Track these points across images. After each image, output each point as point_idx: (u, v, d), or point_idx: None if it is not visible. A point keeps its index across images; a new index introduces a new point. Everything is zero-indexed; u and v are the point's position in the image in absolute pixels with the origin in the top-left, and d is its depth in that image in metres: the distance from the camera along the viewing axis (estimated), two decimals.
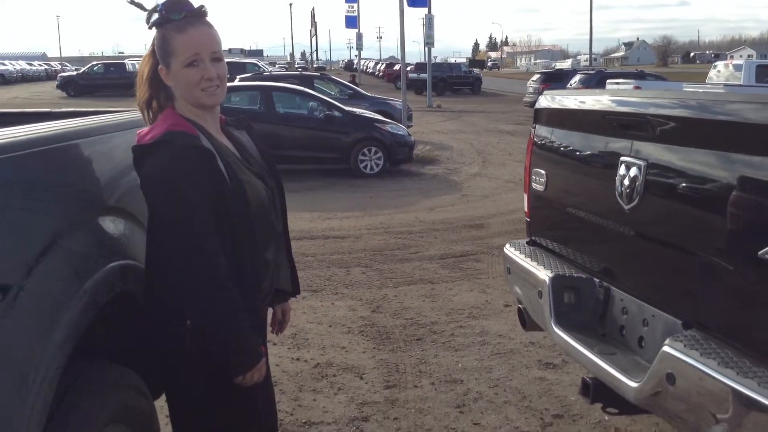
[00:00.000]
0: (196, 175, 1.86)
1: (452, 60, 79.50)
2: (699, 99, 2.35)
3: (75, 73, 40.76)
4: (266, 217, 2.07)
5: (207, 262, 1.85)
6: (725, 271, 2.05)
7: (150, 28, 1.99)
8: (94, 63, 40.73)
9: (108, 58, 77.65)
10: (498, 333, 4.75)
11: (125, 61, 40.52)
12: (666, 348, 2.08)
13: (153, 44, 2.00)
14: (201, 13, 1.98)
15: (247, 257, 1.98)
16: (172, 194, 1.85)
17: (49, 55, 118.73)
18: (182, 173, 1.85)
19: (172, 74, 1.96)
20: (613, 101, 2.78)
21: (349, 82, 22.64)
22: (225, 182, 1.92)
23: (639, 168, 2.41)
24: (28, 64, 63.87)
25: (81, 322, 1.63)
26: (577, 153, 2.97)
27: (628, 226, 2.52)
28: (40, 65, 65.91)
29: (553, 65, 75.18)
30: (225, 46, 2.18)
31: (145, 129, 2.01)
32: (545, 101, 3.30)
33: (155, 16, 1.98)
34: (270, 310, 2.38)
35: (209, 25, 2.00)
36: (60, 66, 66.20)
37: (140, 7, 2.04)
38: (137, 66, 2.08)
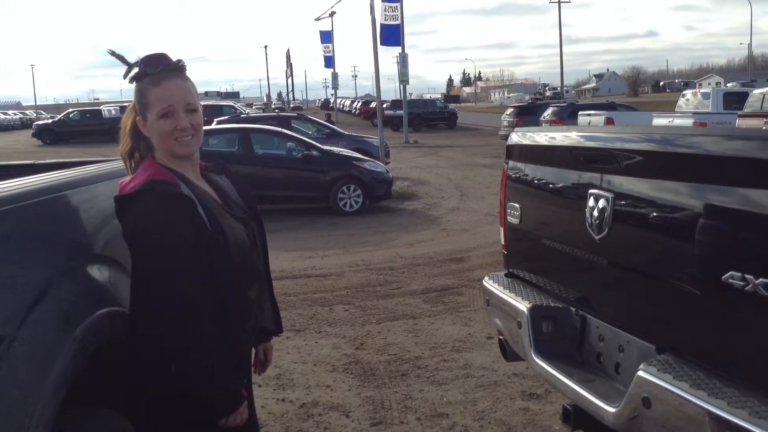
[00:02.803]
0: (176, 222, 1.92)
1: (427, 96, 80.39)
2: (661, 133, 2.47)
3: (50, 121, 40.62)
4: (248, 259, 2.12)
5: (188, 307, 1.90)
6: (692, 296, 2.13)
7: (130, 82, 2.07)
8: (70, 110, 40.58)
9: (84, 104, 77.48)
10: (481, 365, 4.80)
11: (101, 107, 40.42)
12: (640, 372, 2.16)
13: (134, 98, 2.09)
14: (178, 67, 2.07)
15: (229, 300, 2.04)
16: (153, 242, 1.91)
17: (24, 103, 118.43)
18: (163, 221, 1.91)
19: (149, 125, 2.04)
20: (581, 137, 2.89)
21: (325, 120, 22.86)
22: (206, 228, 1.98)
23: (607, 199, 2.51)
24: (2, 113, 63.65)
25: (72, 369, 1.67)
26: (549, 186, 3.07)
27: (599, 256, 2.61)
28: (15, 114, 65.72)
29: (526, 98, 76.42)
30: (201, 90, 2.27)
31: (127, 179, 2.07)
32: (517, 137, 3.41)
33: (135, 70, 2.06)
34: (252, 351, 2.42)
35: (184, 78, 2.08)
36: (35, 114, 66.06)
37: (122, 59, 2.12)
38: (113, 112, 2.17)
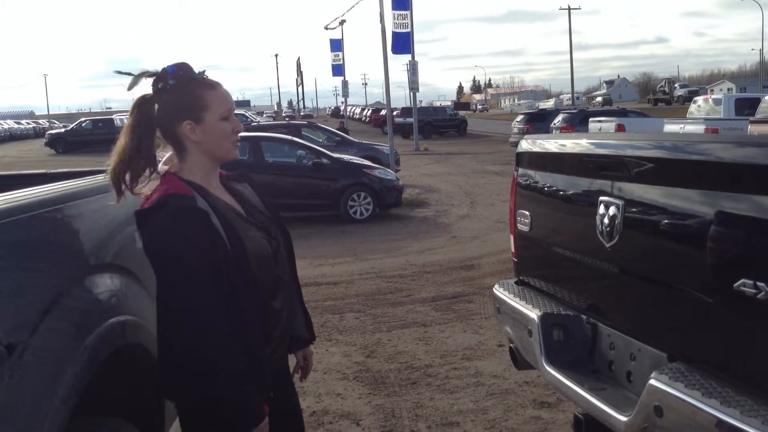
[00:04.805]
0: (190, 236, 1.91)
1: (437, 103, 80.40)
2: (672, 140, 2.46)
3: (63, 130, 41.01)
4: (269, 269, 2.10)
5: (204, 320, 1.89)
6: (704, 303, 2.12)
7: (168, 88, 2.00)
8: (83, 120, 40.95)
9: (96, 114, 78.06)
10: (492, 373, 4.79)
11: (113, 116, 40.78)
12: (652, 381, 2.14)
13: (136, 115, 2.02)
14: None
15: (250, 311, 2.00)
16: (168, 255, 1.91)
17: (37, 113, 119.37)
18: (177, 234, 1.90)
19: (205, 127, 2.00)
20: (591, 144, 2.89)
21: (338, 128, 22.92)
22: (221, 240, 1.96)
23: (617, 207, 2.51)
24: (15, 122, 64.10)
25: (83, 377, 1.68)
26: (559, 194, 3.07)
27: (610, 263, 2.60)
28: (28, 123, 66.15)
29: (536, 105, 76.12)
30: None
31: (149, 193, 2.06)
32: (526, 145, 3.41)
33: (169, 79, 2.01)
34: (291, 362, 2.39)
35: None
36: (48, 123, 66.54)
37: (129, 75, 2.08)
38: (125, 121, 2.11)
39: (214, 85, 2.04)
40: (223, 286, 1.93)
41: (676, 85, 72.13)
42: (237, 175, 2.29)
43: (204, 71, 2.08)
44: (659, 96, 54.90)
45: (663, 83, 74.38)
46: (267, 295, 2.09)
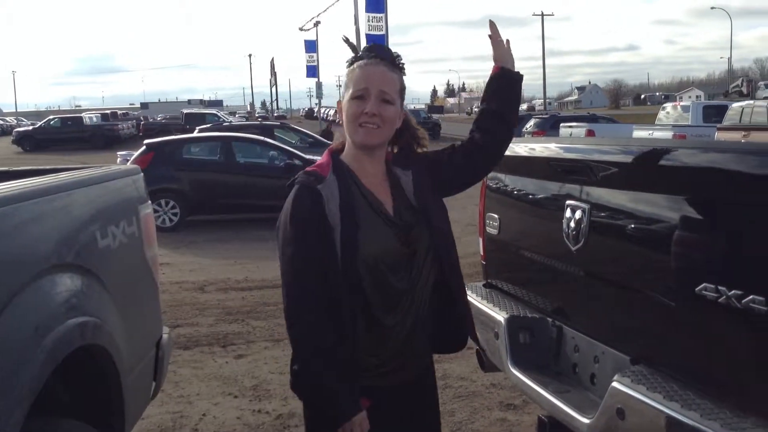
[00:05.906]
0: (297, 215, 1.89)
1: (412, 107, 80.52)
2: (638, 145, 2.49)
3: (31, 128, 40.28)
4: (380, 271, 1.92)
5: (296, 300, 1.89)
6: (667, 307, 2.14)
7: (347, 67, 1.99)
8: (51, 117, 40.21)
9: (65, 112, 76.90)
10: (460, 376, 4.79)
11: (82, 115, 40.09)
12: (614, 384, 2.16)
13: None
14: (391, 57, 1.97)
15: (346, 309, 1.90)
16: (281, 230, 1.93)
17: (5, 110, 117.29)
18: (289, 212, 1.90)
19: (342, 106, 1.97)
20: (560, 148, 2.91)
21: (323, 132, 22.81)
22: (329, 228, 1.87)
23: (583, 210, 2.53)
24: None
25: (40, 378, 1.65)
26: (527, 197, 3.09)
27: (576, 267, 2.62)
28: None
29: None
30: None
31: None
32: None
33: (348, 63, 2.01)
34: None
35: (392, 69, 1.95)
36: (15, 121, 65.43)
37: (353, 48, 2.08)
38: (94, 119, 2.10)
39: (364, 65, 1.93)
40: (323, 273, 1.88)
41: (760, 84, 53.29)
42: (400, 158, 2.08)
43: (396, 55, 1.98)
44: (734, 98, 37.35)
45: (740, 81, 56.91)
46: (377, 305, 1.94)
